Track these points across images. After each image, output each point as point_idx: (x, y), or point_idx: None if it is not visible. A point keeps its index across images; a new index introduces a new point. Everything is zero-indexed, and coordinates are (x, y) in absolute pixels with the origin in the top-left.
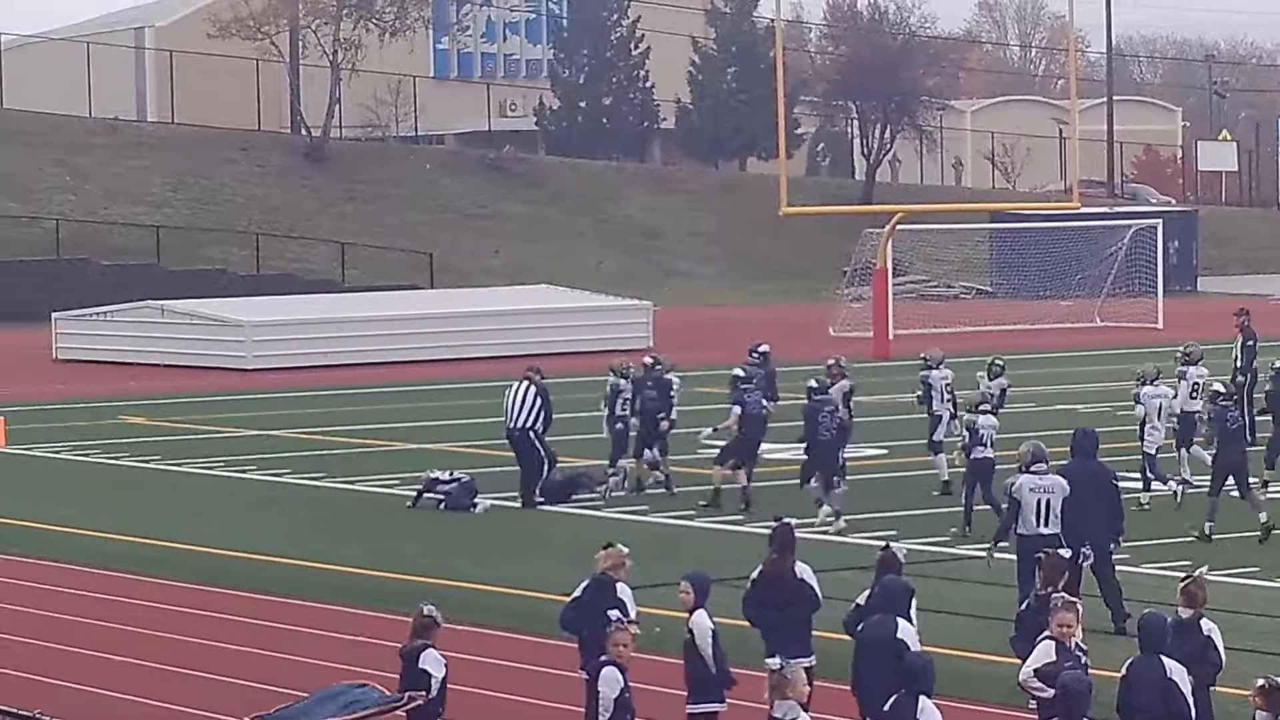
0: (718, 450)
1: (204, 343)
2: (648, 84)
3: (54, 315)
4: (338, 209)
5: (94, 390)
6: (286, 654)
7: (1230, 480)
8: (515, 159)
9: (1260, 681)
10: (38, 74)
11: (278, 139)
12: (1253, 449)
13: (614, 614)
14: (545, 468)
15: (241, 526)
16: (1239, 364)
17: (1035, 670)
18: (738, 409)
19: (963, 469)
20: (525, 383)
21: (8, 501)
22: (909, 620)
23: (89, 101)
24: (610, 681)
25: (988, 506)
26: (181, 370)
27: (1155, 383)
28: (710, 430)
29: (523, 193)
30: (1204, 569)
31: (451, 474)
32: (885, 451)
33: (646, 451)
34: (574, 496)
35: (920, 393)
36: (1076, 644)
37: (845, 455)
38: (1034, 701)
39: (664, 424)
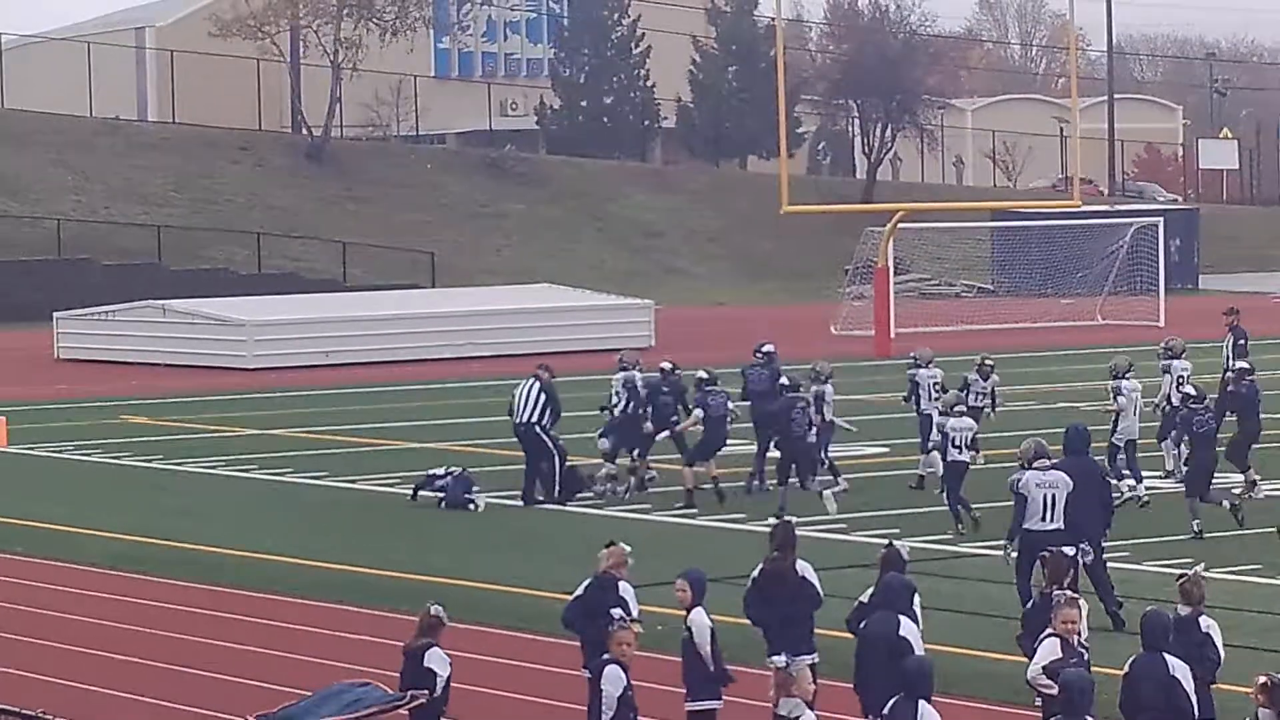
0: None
1: (206, 342)
2: (648, 83)
3: (55, 315)
4: (339, 208)
5: (96, 390)
6: (288, 653)
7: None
8: (516, 158)
9: (1262, 679)
10: (39, 74)
11: (279, 139)
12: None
13: (616, 612)
14: (558, 461)
15: (243, 525)
16: (1230, 363)
17: (1044, 668)
18: (700, 411)
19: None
20: (533, 379)
21: (9, 501)
22: (912, 618)
23: (90, 101)
24: (613, 679)
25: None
26: (183, 370)
27: (1128, 375)
28: (667, 433)
29: (524, 192)
30: (1199, 567)
31: (446, 470)
32: (887, 450)
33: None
34: (579, 495)
35: (906, 392)
36: (1079, 641)
37: (833, 453)
38: (1039, 698)
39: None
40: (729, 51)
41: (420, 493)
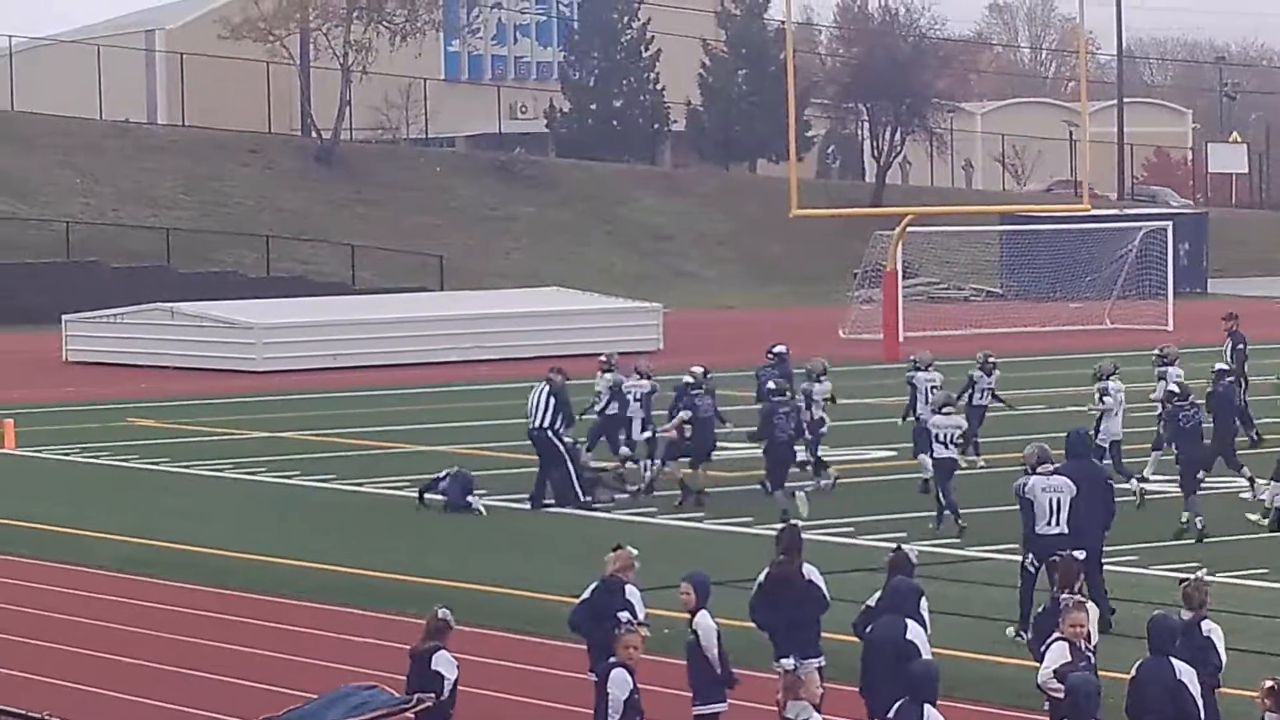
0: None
1: (214, 345)
2: (658, 86)
3: (64, 317)
4: (348, 211)
5: (103, 392)
6: (294, 655)
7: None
8: (526, 161)
9: (1269, 683)
10: (48, 77)
11: (288, 141)
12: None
13: (624, 616)
14: (571, 465)
15: (250, 528)
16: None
17: (1054, 671)
18: (687, 413)
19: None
20: (544, 384)
21: (16, 503)
22: (920, 621)
23: (99, 104)
24: (620, 683)
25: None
26: (192, 373)
27: (1113, 378)
28: (650, 434)
29: (533, 195)
30: (1202, 571)
31: (445, 472)
32: (894, 454)
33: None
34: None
35: (908, 399)
36: (1085, 645)
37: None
38: (1048, 702)
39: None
40: (739, 55)
41: (426, 496)
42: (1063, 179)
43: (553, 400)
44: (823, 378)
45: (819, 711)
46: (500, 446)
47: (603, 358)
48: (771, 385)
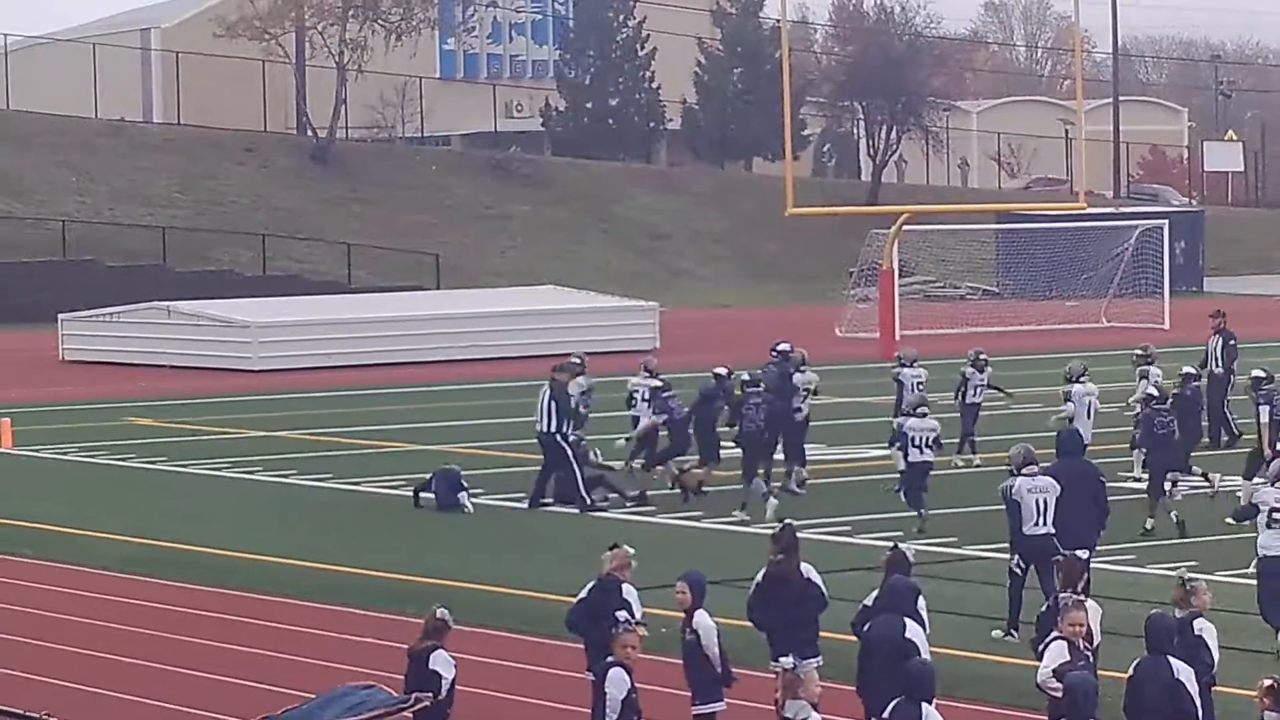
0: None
1: (210, 344)
2: (653, 85)
3: (60, 316)
4: (344, 210)
5: (100, 392)
6: (292, 655)
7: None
8: (521, 160)
9: (1267, 681)
10: (44, 75)
11: (284, 140)
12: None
13: (621, 615)
14: (577, 468)
15: (247, 528)
16: (1219, 365)
17: (1053, 670)
18: (662, 416)
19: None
20: (547, 385)
21: (14, 503)
22: (917, 620)
23: (95, 103)
24: (617, 682)
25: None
26: (188, 371)
27: (1083, 379)
28: (623, 441)
29: (528, 194)
30: (1182, 570)
31: (432, 472)
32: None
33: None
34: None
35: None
36: (1084, 644)
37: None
38: (1049, 701)
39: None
40: (734, 53)
41: (421, 495)
42: (1040, 176)
43: (553, 404)
44: (803, 368)
45: (817, 711)
46: (496, 445)
47: (576, 358)
48: (746, 376)
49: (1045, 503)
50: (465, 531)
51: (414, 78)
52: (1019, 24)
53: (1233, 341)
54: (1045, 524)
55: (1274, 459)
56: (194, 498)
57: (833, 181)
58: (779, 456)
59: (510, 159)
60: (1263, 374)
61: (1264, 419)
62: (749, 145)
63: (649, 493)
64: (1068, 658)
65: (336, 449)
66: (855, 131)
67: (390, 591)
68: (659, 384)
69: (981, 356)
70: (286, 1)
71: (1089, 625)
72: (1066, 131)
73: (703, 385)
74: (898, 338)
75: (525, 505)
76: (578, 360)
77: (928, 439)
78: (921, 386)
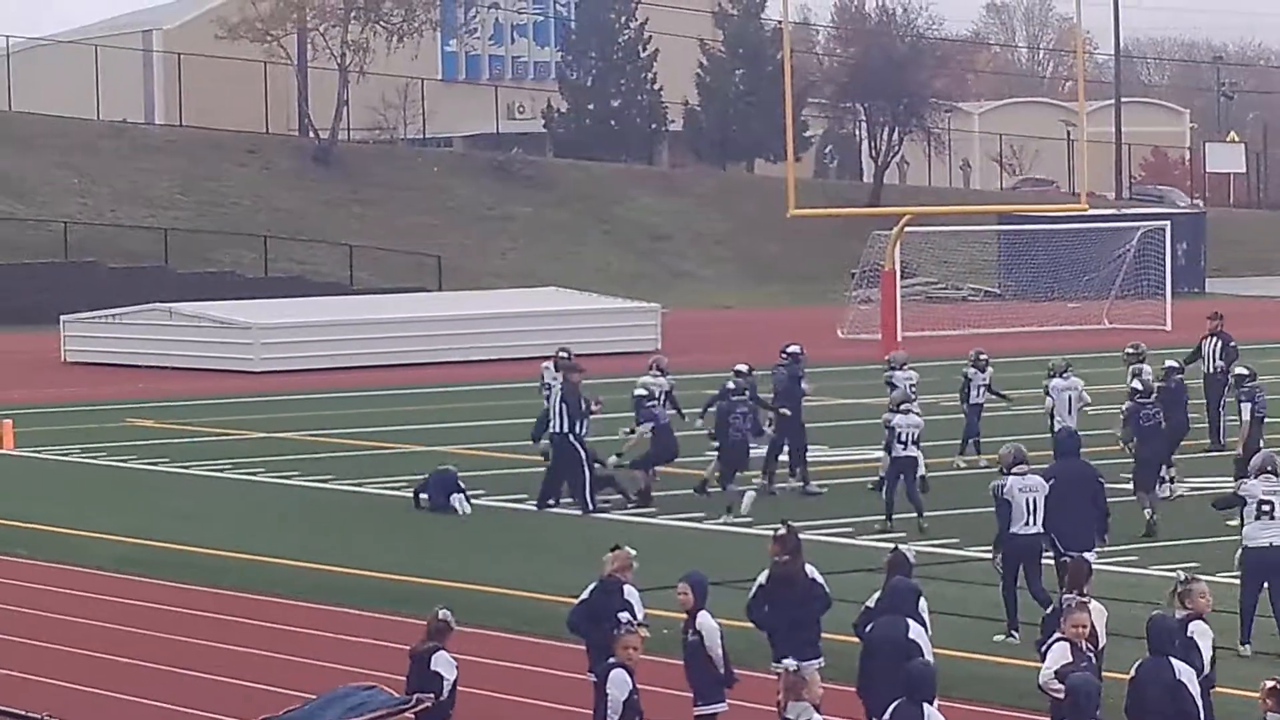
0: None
1: (212, 345)
2: (655, 86)
3: (62, 318)
4: (345, 211)
5: (102, 393)
6: (293, 656)
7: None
8: (523, 161)
9: (1270, 683)
10: (46, 77)
11: (286, 142)
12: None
13: (624, 616)
14: (586, 472)
15: (248, 529)
16: (1217, 364)
17: (1055, 672)
18: (649, 424)
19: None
20: (559, 386)
21: (14, 503)
22: (919, 621)
23: (97, 104)
24: (619, 683)
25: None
26: (189, 373)
27: (1065, 375)
28: (615, 458)
29: (530, 195)
30: (1180, 572)
31: (427, 473)
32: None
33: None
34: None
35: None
36: (1087, 645)
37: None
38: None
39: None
40: (736, 55)
41: (420, 496)
42: (1028, 176)
43: (564, 405)
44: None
45: (819, 712)
46: (498, 447)
47: (564, 353)
48: (730, 385)
49: (1035, 502)
50: (466, 532)
51: (416, 79)
52: (1021, 25)
53: (1232, 343)
54: (1035, 523)
55: (1257, 453)
56: (195, 499)
57: (834, 183)
58: (783, 457)
59: (512, 160)
60: (1246, 371)
61: (1245, 416)
62: (751, 146)
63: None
64: (1070, 659)
65: (338, 450)
66: (857, 133)
67: (390, 592)
68: (669, 384)
69: (982, 357)
70: (288, 3)
71: (1093, 627)
72: (1068, 133)
73: (723, 384)
74: (899, 339)
75: (534, 506)
76: (566, 354)
77: (912, 435)
78: (914, 389)
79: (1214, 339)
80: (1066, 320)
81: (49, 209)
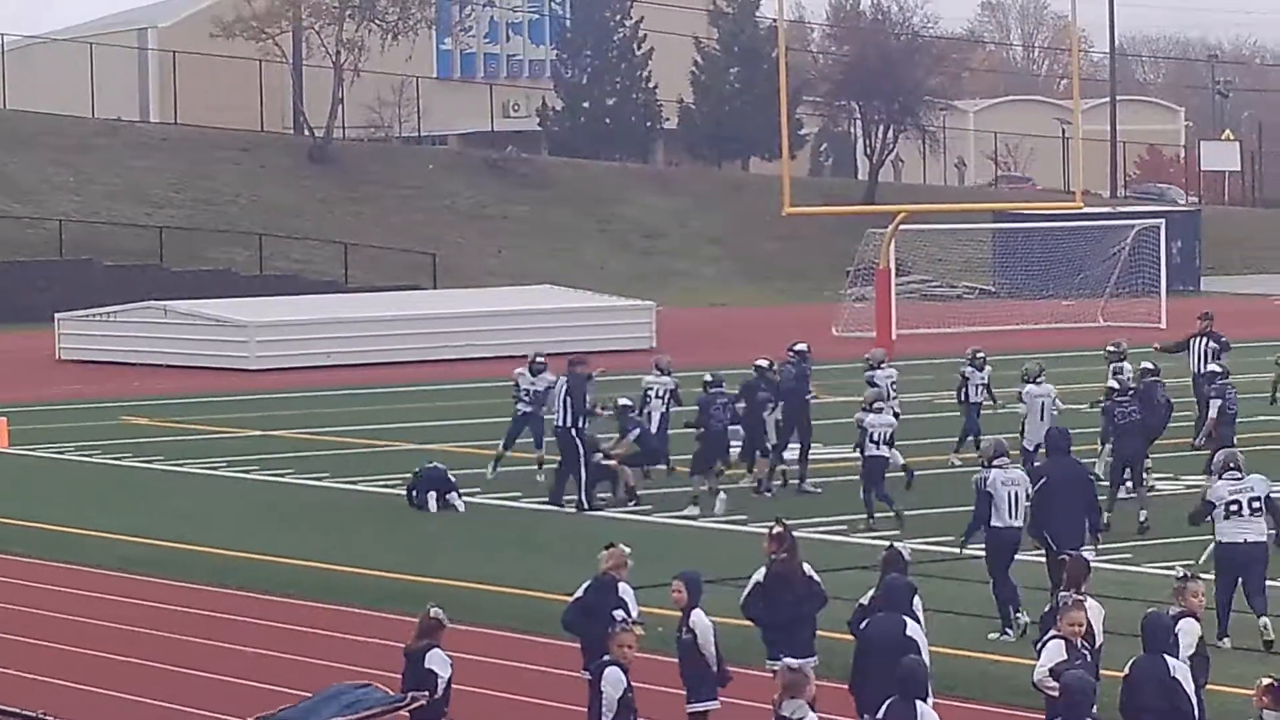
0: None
1: (207, 343)
2: (650, 84)
3: (57, 316)
4: (341, 209)
5: (97, 391)
6: (287, 654)
7: (1126, 472)
8: (518, 159)
9: (1266, 681)
10: (40, 75)
11: (281, 139)
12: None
13: (618, 614)
14: (583, 469)
15: (243, 527)
16: (1202, 364)
17: (1050, 670)
18: (635, 432)
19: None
20: (563, 379)
21: (10, 502)
22: (914, 619)
23: (92, 102)
24: (614, 681)
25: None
26: (184, 371)
27: (1039, 380)
28: (600, 456)
29: (525, 193)
30: (1177, 568)
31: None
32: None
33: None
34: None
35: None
36: (1083, 643)
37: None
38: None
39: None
40: (731, 53)
41: (414, 494)
42: (1005, 174)
43: (569, 400)
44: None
45: (813, 709)
46: (492, 445)
47: (540, 358)
48: (709, 377)
49: (1017, 496)
50: (463, 531)
51: (411, 77)
52: (1016, 23)
53: (1224, 339)
54: (1016, 517)
55: (1217, 450)
56: (190, 497)
57: (829, 181)
58: (789, 456)
59: (507, 158)
60: (1218, 368)
61: (1213, 413)
62: (746, 145)
63: (640, 491)
64: (1065, 657)
65: (333, 448)
66: (852, 131)
67: (386, 590)
68: (673, 383)
69: (980, 355)
70: (283, 1)
71: (1090, 625)
72: (1063, 131)
73: (744, 381)
74: (894, 337)
75: (534, 505)
76: (542, 360)
77: (884, 435)
78: (895, 387)
79: (1203, 338)
80: (1061, 318)
81: (44, 207)
